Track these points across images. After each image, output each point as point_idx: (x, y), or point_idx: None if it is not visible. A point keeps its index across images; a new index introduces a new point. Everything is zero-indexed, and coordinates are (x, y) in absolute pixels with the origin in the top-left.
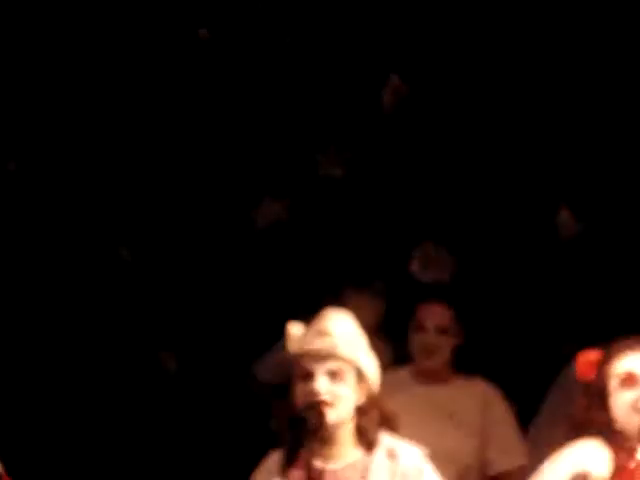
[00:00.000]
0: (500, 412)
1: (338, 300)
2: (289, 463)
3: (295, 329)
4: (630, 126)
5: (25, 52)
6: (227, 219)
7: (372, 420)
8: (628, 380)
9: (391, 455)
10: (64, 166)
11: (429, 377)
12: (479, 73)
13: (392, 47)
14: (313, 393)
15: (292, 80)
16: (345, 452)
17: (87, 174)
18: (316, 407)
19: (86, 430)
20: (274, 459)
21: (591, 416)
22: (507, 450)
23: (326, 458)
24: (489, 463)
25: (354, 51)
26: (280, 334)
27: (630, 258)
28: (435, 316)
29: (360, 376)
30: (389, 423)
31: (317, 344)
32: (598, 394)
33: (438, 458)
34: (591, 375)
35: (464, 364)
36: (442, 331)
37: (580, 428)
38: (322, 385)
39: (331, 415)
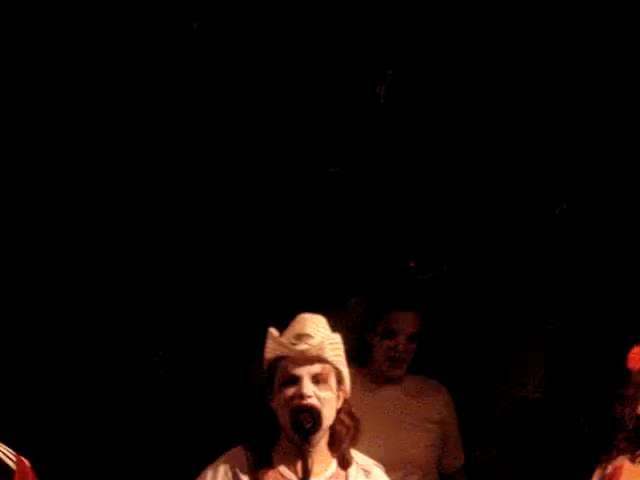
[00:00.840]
0: (454, 412)
1: (328, 302)
2: (261, 467)
3: (275, 333)
4: (625, 120)
5: (16, 49)
6: (219, 216)
7: (347, 429)
8: None
9: (367, 473)
10: (53, 160)
11: (386, 379)
12: (474, 69)
13: (387, 42)
14: (301, 396)
15: (287, 75)
16: (320, 465)
17: (80, 172)
18: (308, 411)
19: (78, 430)
20: (238, 458)
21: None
22: (458, 449)
23: (302, 471)
24: (447, 462)
25: (349, 47)
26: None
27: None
28: (409, 323)
29: (339, 381)
30: (357, 432)
31: (302, 347)
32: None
33: (402, 458)
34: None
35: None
36: (412, 339)
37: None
38: (309, 388)
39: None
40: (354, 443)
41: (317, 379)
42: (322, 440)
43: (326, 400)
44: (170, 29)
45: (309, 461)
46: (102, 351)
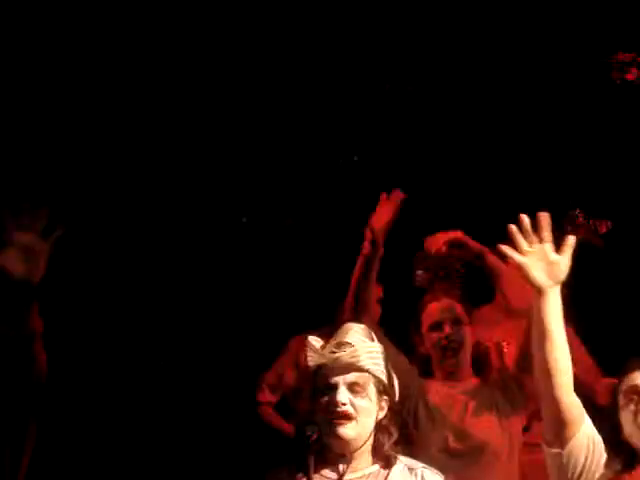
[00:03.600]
0: None
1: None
2: (301, 474)
3: (315, 341)
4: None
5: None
6: (224, 222)
7: (389, 436)
8: (631, 393)
9: (411, 470)
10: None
11: None
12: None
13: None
14: (335, 404)
15: (290, 76)
16: (361, 466)
17: (77, 179)
18: (333, 423)
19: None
20: (279, 472)
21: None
22: None
23: (342, 471)
24: None
25: (352, 54)
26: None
27: None
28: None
29: (381, 389)
30: (407, 439)
31: (339, 355)
32: (612, 413)
33: None
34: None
35: None
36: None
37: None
38: (344, 396)
39: (349, 430)
40: (400, 450)
41: (354, 388)
42: (362, 447)
43: (363, 408)
44: (174, 30)
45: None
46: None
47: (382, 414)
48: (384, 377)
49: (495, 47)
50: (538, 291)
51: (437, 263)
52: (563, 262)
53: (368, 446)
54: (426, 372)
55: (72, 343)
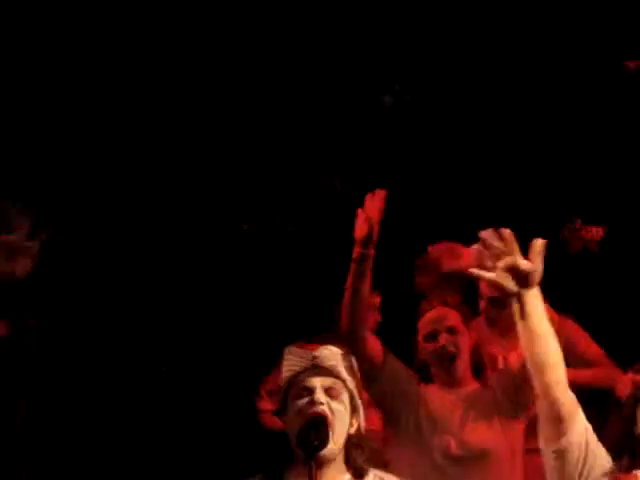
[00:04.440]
0: None
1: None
2: None
3: (292, 350)
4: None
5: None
6: (223, 229)
7: (362, 453)
8: None
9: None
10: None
11: None
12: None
13: (393, 53)
14: (313, 402)
15: (290, 84)
16: (333, 476)
17: (77, 186)
18: (318, 428)
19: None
20: None
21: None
22: None
23: None
24: None
25: (353, 61)
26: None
27: None
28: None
29: (353, 405)
30: (376, 461)
31: (316, 360)
32: (630, 406)
33: None
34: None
35: None
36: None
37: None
38: (322, 397)
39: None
40: (373, 465)
41: (330, 392)
42: (335, 461)
43: (338, 413)
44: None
45: (317, 477)
46: (113, 364)
47: (352, 430)
48: (356, 394)
49: (492, 57)
50: (515, 297)
51: (438, 269)
52: (533, 269)
53: (340, 460)
54: (426, 378)
55: (71, 345)
